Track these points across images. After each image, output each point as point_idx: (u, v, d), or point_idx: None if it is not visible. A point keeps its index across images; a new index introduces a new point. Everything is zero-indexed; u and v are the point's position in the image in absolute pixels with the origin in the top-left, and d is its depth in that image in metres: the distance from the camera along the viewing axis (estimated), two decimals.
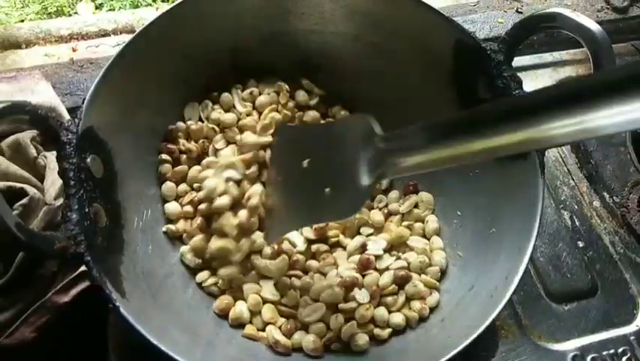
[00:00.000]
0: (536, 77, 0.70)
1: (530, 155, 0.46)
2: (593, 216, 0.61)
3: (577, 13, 0.45)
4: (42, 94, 0.62)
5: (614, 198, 0.62)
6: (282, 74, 0.57)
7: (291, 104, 0.57)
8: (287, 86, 0.56)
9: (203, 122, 0.55)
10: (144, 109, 0.50)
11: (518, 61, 0.70)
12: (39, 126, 0.41)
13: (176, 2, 0.50)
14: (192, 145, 0.53)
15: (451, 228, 0.53)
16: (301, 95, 0.57)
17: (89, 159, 0.42)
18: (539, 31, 0.47)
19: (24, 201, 0.51)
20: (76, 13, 1.31)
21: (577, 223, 0.60)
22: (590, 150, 0.65)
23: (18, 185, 0.52)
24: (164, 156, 0.53)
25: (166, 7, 0.51)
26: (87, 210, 0.40)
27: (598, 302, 0.55)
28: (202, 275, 0.49)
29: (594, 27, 0.44)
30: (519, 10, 0.78)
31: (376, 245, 0.51)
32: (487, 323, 0.41)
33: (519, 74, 0.69)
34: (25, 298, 0.50)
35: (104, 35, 0.81)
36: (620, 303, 0.56)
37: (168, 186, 0.52)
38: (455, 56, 0.52)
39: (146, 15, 0.84)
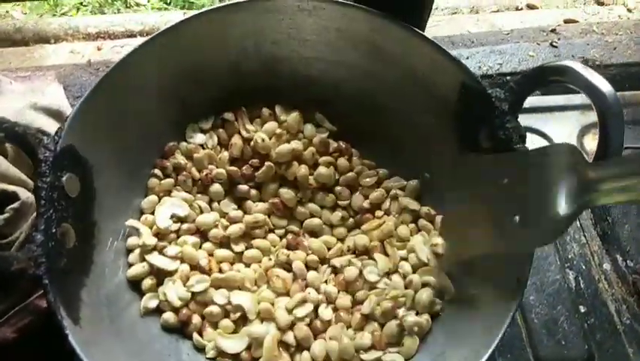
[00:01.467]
0: (563, 119, 0.66)
1: None
2: (600, 280, 0.56)
3: (590, 71, 0.41)
4: (51, 96, 0.63)
5: (628, 262, 0.57)
6: (286, 102, 0.56)
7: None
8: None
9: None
10: (132, 129, 0.50)
11: (545, 100, 0.66)
12: (16, 143, 0.41)
13: (173, 23, 0.49)
14: (194, 170, 0.53)
15: None
16: (309, 129, 0.56)
17: (64, 178, 0.42)
18: (548, 84, 0.44)
19: (15, 205, 0.52)
20: (137, 4, 1.35)
21: (582, 285, 0.56)
22: (608, 206, 0.60)
23: (11, 188, 0.52)
24: (156, 171, 0.53)
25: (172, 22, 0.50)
26: (54, 230, 0.40)
27: None
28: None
29: (605, 88, 0.40)
30: (554, 43, 0.73)
31: None
32: None
33: (546, 115, 0.67)
34: (9, 298, 0.51)
35: (130, 36, 0.83)
36: None
37: (150, 199, 0.51)
38: (460, 98, 0.49)
39: (174, 18, 0.84)
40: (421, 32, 0.49)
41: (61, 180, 0.42)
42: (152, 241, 0.49)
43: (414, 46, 0.50)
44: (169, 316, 0.47)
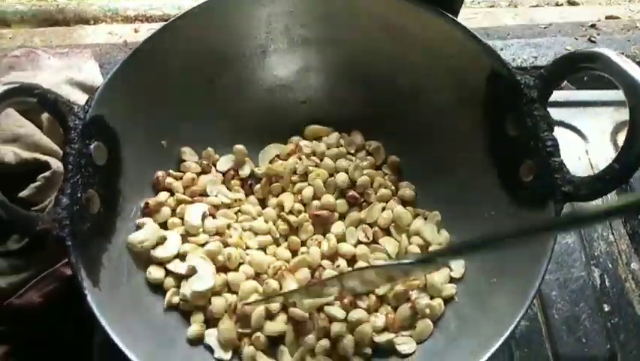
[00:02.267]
0: (597, 114, 0.64)
1: (548, 206, 0.42)
2: (627, 279, 0.54)
3: (624, 59, 0.39)
4: (88, 72, 0.65)
5: None
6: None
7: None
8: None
9: None
10: (160, 105, 0.51)
11: (579, 95, 0.64)
12: (47, 110, 0.43)
13: (204, 1, 0.50)
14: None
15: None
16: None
17: (92, 146, 0.44)
18: (579, 72, 0.42)
19: (47, 174, 0.53)
20: None
21: (607, 284, 0.54)
22: None
23: (43, 158, 0.54)
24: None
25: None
26: (80, 195, 0.41)
27: None
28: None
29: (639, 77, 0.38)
30: (592, 38, 0.71)
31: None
32: None
33: (579, 109, 0.65)
34: (37, 264, 0.53)
35: (166, 20, 0.84)
36: None
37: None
38: (488, 84, 0.48)
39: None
40: (451, 16, 0.49)
41: (89, 148, 0.43)
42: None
43: (443, 30, 0.49)
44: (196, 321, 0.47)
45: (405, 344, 0.45)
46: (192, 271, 0.47)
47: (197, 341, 0.46)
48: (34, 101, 0.42)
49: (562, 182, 0.41)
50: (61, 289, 0.53)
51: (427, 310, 0.45)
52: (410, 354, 0.45)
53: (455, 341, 0.43)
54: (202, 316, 0.46)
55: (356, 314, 0.46)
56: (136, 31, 0.82)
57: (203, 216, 0.50)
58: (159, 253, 0.48)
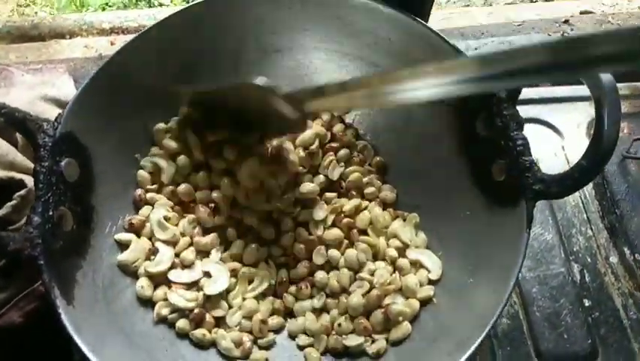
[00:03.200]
0: (571, 110, 0.64)
1: (520, 204, 0.42)
2: (607, 274, 0.55)
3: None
4: (62, 88, 0.64)
5: (636, 255, 0.55)
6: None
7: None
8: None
9: None
10: (133, 117, 0.50)
11: (553, 91, 0.65)
12: (16, 128, 0.43)
13: (175, 11, 0.50)
14: None
15: None
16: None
17: (63, 163, 0.43)
18: None
19: (22, 192, 0.53)
20: (160, 4, 1.37)
21: (587, 279, 0.54)
22: (617, 199, 0.58)
23: (18, 176, 0.54)
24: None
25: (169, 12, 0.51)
26: (52, 213, 0.41)
27: None
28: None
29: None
30: (565, 34, 0.72)
31: None
32: None
33: (554, 105, 0.65)
34: (17, 283, 0.53)
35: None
36: None
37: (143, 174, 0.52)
38: None
39: None
40: (419, 20, 0.49)
41: (60, 165, 0.43)
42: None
43: (412, 34, 0.49)
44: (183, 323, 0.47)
45: (374, 344, 0.46)
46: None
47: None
48: (1, 121, 0.41)
49: (532, 180, 0.41)
50: (42, 308, 0.52)
51: (400, 318, 0.45)
52: (381, 355, 0.45)
53: (434, 343, 0.43)
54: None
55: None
56: (112, 43, 0.81)
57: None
58: (152, 268, 0.48)
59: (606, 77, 0.38)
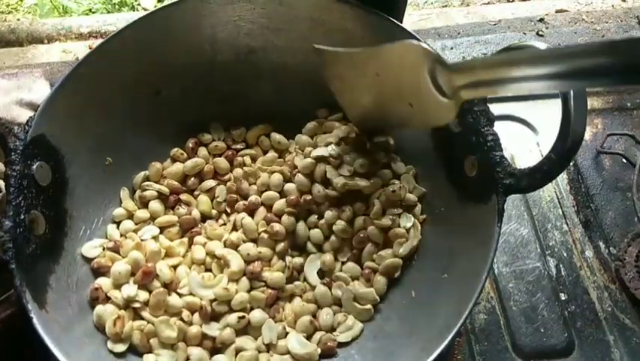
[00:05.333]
0: (547, 107, 0.65)
1: (492, 199, 0.42)
2: (582, 267, 0.55)
3: (551, 48, 0.40)
4: (37, 92, 0.64)
5: (610, 249, 0.56)
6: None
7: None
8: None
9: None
10: (107, 120, 0.50)
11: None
12: None
13: (148, 12, 0.50)
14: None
15: (411, 262, 0.49)
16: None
17: (34, 166, 0.43)
18: None
19: None
20: (139, 5, 1.36)
21: (562, 273, 0.55)
22: (592, 193, 0.59)
23: None
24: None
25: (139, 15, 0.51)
26: (23, 217, 0.41)
27: None
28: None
29: None
30: (540, 33, 0.73)
31: None
32: None
33: (528, 103, 0.66)
34: None
35: None
36: None
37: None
38: None
39: None
40: (391, 19, 0.49)
41: (31, 169, 0.43)
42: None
43: (387, 33, 0.49)
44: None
45: (343, 333, 0.46)
46: None
47: None
48: None
49: (503, 175, 0.41)
50: (18, 314, 0.52)
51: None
52: (349, 342, 0.46)
53: (409, 338, 0.43)
54: None
55: None
56: (90, 47, 0.81)
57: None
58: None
59: None
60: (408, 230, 0.49)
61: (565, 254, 0.56)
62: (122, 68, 0.50)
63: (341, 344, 0.46)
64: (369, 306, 0.47)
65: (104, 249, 0.48)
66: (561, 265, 0.55)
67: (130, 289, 0.45)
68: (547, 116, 0.63)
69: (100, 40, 0.82)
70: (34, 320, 0.38)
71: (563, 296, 0.54)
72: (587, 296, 0.54)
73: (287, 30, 0.53)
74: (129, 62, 0.51)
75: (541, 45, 0.40)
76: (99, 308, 0.44)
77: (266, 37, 0.54)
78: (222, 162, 0.54)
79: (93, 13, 1.37)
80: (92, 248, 0.48)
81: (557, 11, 0.85)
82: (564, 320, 0.52)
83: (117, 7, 1.40)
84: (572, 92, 0.39)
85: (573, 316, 0.53)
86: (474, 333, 0.51)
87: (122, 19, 0.84)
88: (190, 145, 0.55)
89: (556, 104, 0.65)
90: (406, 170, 0.52)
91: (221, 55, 0.54)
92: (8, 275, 0.51)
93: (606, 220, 0.57)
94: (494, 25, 0.76)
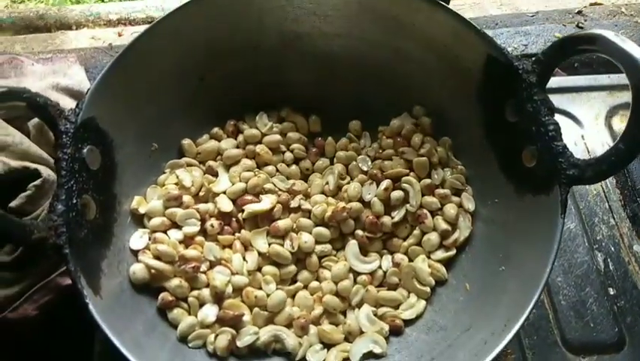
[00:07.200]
0: (590, 99, 0.64)
1: (553, 190, 0.41)
2: (631, 262, 0.54)
3: (623, 38, 0.39)
4: (73, 77, 0.63)
5: None
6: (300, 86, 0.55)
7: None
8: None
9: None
10: (153, 105, 0.49)
11: (572, 80, 0.64)
12: (37, 114, 0.41)
13: None
14: None
15: (462, 256, 0.49)
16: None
17: (85, 150, 0.42)
18: (577, 54, 0.42)
19: (37, 182, 0.52)
20: None
21: (611, 268, 0.54)
22: (639, 188, 0.58)
23: (33, 166, 0.53)
24: None
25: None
26: (75, 201, 0.40)
27: (623, 359, 0.49)
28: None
29: None
30: (580, 24, 0.72)
31: None
32: None
33: (572, 95, 0.65)
34: (31, 276, 0.51)
35: (150, 22, 0.82)
36: None
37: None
38: (485, 72, 0.47)
39: None
40: (443, 4, 0.48)
41: (82, 152, 0.42)
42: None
43: (436, 18, 0.49)
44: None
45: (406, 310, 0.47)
46: None
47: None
48: (24, 105, 0.40)
49: (566, 165, 0.40)
50: (57, 301, 0.51)
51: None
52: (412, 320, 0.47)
53: (467, 331, 0.43)
54: None
55: None
56: (120, 34, 0.80)
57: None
58: None
59: None
60: (456, 220, 0.48)
61: (612, 248, 0.55)
62: (168, 53, 0.49)
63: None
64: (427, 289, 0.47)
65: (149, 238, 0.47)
66: (609, 260, 0.54)
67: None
68: (592, 109, 0.62)
69: (129, 28, 0.82)
70: (90, 306, 0.37)
71: (611, 291, 0.53)
72: (636, 291, 0.53)
73: (334, 16, 0.52)
74: (176, 47, 0.50)
75: (610, 34, 0.40)
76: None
77: (313, 23, 0.53)
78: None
79: (105, 2, 1.36)
80: (137, 239, 0.47)
81: (592, 4, 0.84)
82: (613, 314, 0.52)
83: None
84: None
85: (623, 311, 0.52)
86: (523, 327, 0.50)
87: (151, 6, 0.83)
88: (230, 128, 0.55)
89: (602, 97, 0.64)
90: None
91: (267, 41, 0.53)
92: (47, 262, 0.51)
93: None
94: (532, 16, 0.75)
